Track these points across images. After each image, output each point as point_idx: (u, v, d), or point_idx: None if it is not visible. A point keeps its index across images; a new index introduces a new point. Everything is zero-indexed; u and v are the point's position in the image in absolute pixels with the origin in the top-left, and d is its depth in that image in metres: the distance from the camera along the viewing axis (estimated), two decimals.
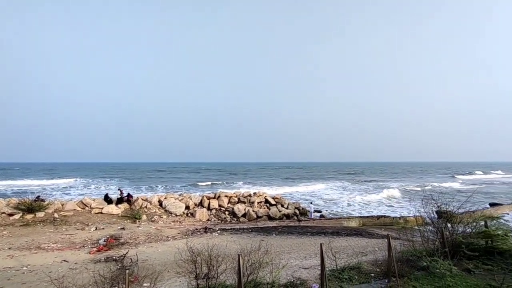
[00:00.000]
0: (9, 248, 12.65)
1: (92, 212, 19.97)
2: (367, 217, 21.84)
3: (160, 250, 12.59)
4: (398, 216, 22.15)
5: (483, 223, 10.00)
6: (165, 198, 23.30)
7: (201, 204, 23.60)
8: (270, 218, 22.87)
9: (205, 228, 17.71)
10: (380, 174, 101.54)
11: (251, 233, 16.55)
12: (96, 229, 16.73)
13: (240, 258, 6.00)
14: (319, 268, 8.75)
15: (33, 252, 12.08)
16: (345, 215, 24.83)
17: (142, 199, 22.54)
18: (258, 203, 24.70)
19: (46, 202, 19.75)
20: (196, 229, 17.68)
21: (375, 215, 23.01)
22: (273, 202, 25.23)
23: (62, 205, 20.29)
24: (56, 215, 18.76)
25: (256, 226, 19.19)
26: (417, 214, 13.19)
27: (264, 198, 25.59)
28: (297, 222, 20.08)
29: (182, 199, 23.40)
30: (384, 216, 21.93)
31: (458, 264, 8.90)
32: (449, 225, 10.12)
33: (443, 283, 7.72)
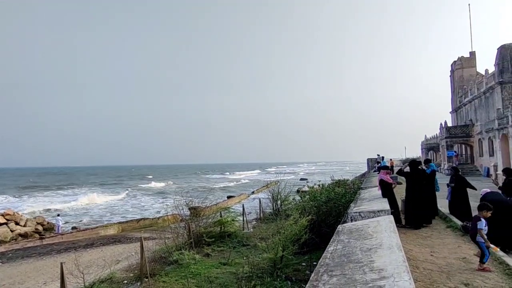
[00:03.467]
0: None
1: None
2: (127, 222, 21.36)
3: None
4: (158, 216, 23.20)
5: (219, 213, 12.42)
6: None
7: None
8: None
9: None
10: (127, 177, 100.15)
11: None
12: None
13: None
14: None
15: None
16: (104, 223, 23.03)
17: None
18: None
19: None
20: None
21: (136, 218, 22.95)
22: (2, 220, 19.28)
23: None
24: None
25: None
26: (174, 213, 14.41)
27: None
28: (38, 241, 16.44)
29: None
30: (144, 219, 22.29)
31: (201, 251, 10.50)
32: (196, 218, 11.79)
33: (188, 271, 8.81)
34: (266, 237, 8.54)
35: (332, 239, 3.94)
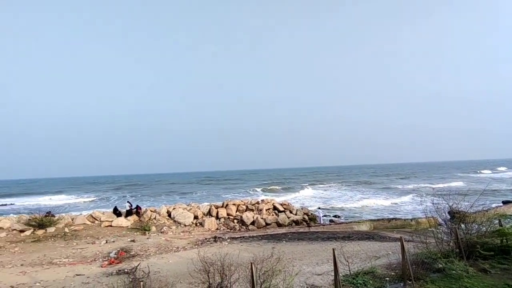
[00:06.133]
0: (21, 265, 12.74)
1: (102, 226, 20.05)
2: (378, 220, 21.59)
3: (171, 261, 12.56)
4: (410, 218, 21.85)
5: (497, 221, 9.84)
6: (174, 208, 23.31)
7: (209, 213, 23.57)
8: (279, 225, 22.72)
9: (215, 237, 17.66)
10: (376, 176, 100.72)
11: (261, 241, 16.45)
12: (106, 242, 16.78)
13: (253, 266, 5.96)
14: (332, 274, 8.64)
15: (45, 268, 12.14)
16: (355, 219, 24.61)
17: (151, 211, 22.58)
18: (266, 210, 24.58)
19: (56, 217, 19.91)
20: (206, 238, 17.63)
21: (386, 217, 22.74)
22: (281, 208, 25.09)
23: (72, 219, 20.43)
24: (66, 229, 18.88)
25: (265, 233, 19.08)
26: (429, 215, 13.02)
27: (272, 205, 25.46)
28: (306, 228, 19.93)
29: (190, 209, 23.39)
30: (396, 219, 21.66)
31: (474, 265, 8.73)
32: (462, 225, 9.98)
33: (460, 285, 7.56)
34: None
35: None
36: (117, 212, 22.10)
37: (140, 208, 22.92)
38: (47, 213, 20.48)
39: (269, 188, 66.78)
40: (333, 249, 6.56)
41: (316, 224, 22.19)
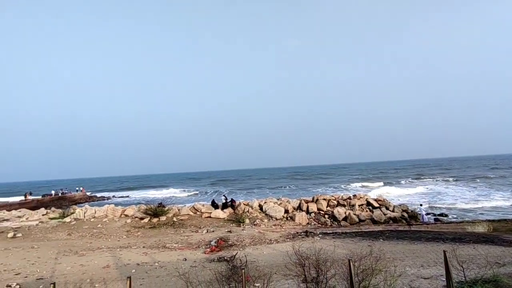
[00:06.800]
0: (143, 247, 15.09)
1: (203, 216, 22.20)
2: (500, 220, 18.27)
3: (265, 252, 13.08)
4: None
5: None
6: (265, 202, 24.18)
7: (299, 208, 23.66)
8: (374, 222, 21.34)
9: (306, 231, 17.65)
10: (498, 169, 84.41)
11: (355, 238, 15.73)
12: (207, 231, 18.53)
13: (351, 263, 5.74)
14: (442, 279, 7.73)
15: (161, 251, 14.11)
16: (467, 219, 21.36)
17: (244, 204, 23.92)
18: (359, 206, 23.35)
19: (166, 208, 22.89)
20: (297, 232, 17.77)
21: (511, 218, 19.08)
22: (376, 204, 23.49)
23: (179, 210, 23.18)
24: (174, 219, 21.56)
25: (359, 230, 18.15)
26: None
27: (366, 200, 24.05)
28: (407, 227, 18.19)
29: (280, 203, 23.91)
30: None
31: None
32: None
33: None
34: None
35: None
36: (215, 204, 24.13)
37: (235, 202, 24.52)
38: (159, 204, 23.73)
39: (364, 183, 63.39)
40: (444, 251, 5.81)
41: (418, 223, 20.07)
